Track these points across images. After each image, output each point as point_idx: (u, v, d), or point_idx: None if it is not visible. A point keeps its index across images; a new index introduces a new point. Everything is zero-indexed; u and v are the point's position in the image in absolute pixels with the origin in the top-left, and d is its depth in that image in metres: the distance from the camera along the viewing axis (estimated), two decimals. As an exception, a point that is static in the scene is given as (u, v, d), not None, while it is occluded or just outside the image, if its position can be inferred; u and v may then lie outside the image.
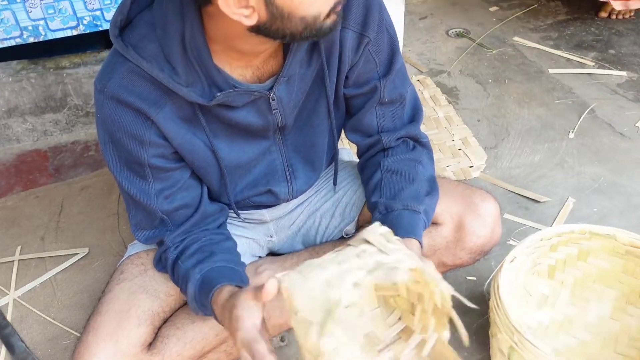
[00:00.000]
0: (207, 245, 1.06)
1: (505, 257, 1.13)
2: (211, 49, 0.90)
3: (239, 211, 1.20)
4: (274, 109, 1.00)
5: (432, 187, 1.10)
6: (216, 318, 0.96)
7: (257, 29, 0.83)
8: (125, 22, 0.92)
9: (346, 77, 1.05)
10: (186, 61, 0.90)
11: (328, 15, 0.84)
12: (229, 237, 1.11)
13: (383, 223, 1.05)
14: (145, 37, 0.90)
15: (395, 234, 1.00)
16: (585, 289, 1.26)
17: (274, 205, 1.22)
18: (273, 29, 0.83)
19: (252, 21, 0.81)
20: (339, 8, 0.85)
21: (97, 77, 0.93)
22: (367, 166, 1.17)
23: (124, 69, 0.90)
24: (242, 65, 0.95)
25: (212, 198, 1.12)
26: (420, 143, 1.15)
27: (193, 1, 0.85)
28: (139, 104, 0.91)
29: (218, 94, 0.91)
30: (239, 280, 1.00)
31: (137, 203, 1.03)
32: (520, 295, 1.24)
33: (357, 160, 1.46)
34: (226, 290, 0.94)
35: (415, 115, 1.14)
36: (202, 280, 0.99)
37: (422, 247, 1.01)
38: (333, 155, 1.20)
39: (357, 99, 1.09)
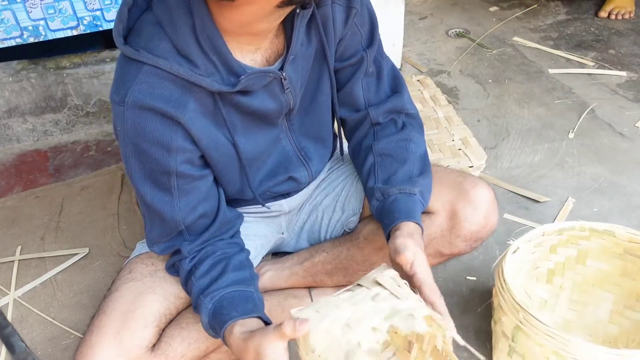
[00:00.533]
0: (221, 262, 1.05)
1: (508, 248, 1.13)
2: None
3: (259, 205, 1.20)
4: (286, 88, 1.00)
5: (424, 165, 1.11)
6: (230, 348, 0.95)
7: (292, 0, 0.84)
8: (126, 31, 0.91)
9: (335, 51, 1.08)
10: (201, 52, 0.90)
11: None
12: (242, 249, 1.11)
13: (381, 209, 1.06)
14: (154, 37, 0.89)
15: (395, 219, 1.02)
16: (584, 293, 1.26)
17: (297, 192, 1.22)
18: None
19: None
20: None
21: (112, 91, 0.91)
22: (359, 151, 1.18)
23: (141, 73, 0.89)
24: (253, 49, 0.95)
25: (230, 200, 1.12)
26: (408, 115, 1.16)
27: None
28: (164, 107, 0.89)
29: (242, 77, 0.92)
30: (252, 306, 0.99)
31: (159, 216, 1.01)
32: (521, 297, 1.24)
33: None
34: (237, 329, 0.93)
35: (396, 85, 1.15)
36: (214, 310, 0.99)
37: (422, 230, 1.03)
38: (336, 132, 1.21)
39: (345, 70, 1.11)
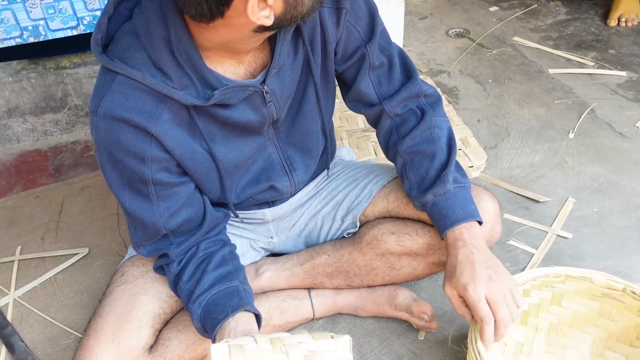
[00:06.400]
0: (203, 262, 1.05)
1: None
2: (201, 52, 0.89)
3: (241, 211, 1.20)
4: (268, 102, 0.99)
5: (451, 148, 1.10)
6: None
7: (268, 27, 0.83)
8: (106, 40, 0.91)
9: (335, 54, 1.06)
10: (176, 65, 0.89)
11: None
12: (225, 244, 1.11)
13: (426, 213, 1.09)
14: (130, 47, 0.89)
15: (442, 227, 1.05)
16: (561, 334, 1.19)
17: (278, 200, 1.22)
18: (287, 18, 0.84)
19: (270, 20, 0.82)
20: None
21: (90, 99, 0.91)
22: (388, 149, 1.17)
23: (115, 83, 0.88)
24: (235, 63, 0.94)
25: (213, 203, 1.11)
26: (426, 96, 1.14)
27: (175, 6, 0.85)
28: (137, 119, 0.89)
29: (215, 92, 0.91)
30: (237, 300, 0.99)
31: (140, 222, 1.01)
32: (496, 345, 1.15)
33: (356, 159, 1.46)
34: (225, 332, 0.95)
35: (408, 71, 1.13)
36: (204, 316, 1.00)
37: (479, 221, 1.06)
38: (326, 142, 1.20)
39: (349, 70, 1.10)
